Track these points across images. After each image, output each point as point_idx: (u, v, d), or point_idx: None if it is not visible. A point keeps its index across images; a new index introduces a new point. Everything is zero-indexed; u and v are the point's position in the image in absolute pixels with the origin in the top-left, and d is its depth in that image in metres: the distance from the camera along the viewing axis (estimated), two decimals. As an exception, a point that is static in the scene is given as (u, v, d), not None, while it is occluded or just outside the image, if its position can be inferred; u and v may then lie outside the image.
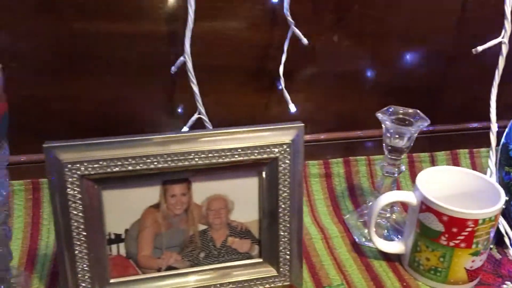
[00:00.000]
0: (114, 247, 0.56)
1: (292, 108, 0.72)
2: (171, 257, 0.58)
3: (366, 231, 0.72)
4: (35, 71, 0.68)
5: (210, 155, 0.55)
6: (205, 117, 0.70)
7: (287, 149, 0.57)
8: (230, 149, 0.55)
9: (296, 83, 0.76)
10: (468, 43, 0.71)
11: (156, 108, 0.74)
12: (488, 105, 0.71)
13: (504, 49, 0.67)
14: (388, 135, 0.66)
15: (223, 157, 0.55)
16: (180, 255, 0.59)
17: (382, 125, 0.66)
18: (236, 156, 0.56)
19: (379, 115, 0.66)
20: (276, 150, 0.56)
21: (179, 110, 0.75)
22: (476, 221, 0.59)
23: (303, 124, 0.58)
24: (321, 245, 0.71)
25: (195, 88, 0.67)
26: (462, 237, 0.60)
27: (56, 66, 0.68)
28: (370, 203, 0.74)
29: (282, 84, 0.71)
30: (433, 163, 0.85)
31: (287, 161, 0.57)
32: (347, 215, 0.77)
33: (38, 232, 0.69)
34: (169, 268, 0.59)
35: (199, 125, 0.71)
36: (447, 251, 0.61)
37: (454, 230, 0.60)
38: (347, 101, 0.81)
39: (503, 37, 0.66)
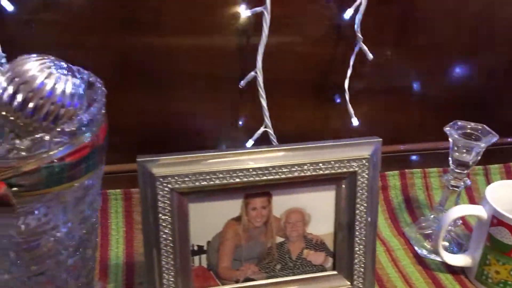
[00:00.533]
0: (196, 258, 0.58)
1: (355, 121, 0.73)
2: (249, 268, 0.60)
3: (426, 243, 0.73)
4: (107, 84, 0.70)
5: (292, 169, 0.56)
6: (271, 130, 0.71)
7: (366, 164, 0.58)
8: (311, 163, 0.57)
9: (355, 97, 0.78)
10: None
11: (221, 121, 0.75)
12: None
13: None
14: (456, 149, 0.67)
15: (305, 171, 0.57)
16: (257, 267, 0.60)
17: (450, 139, 0.67)
18: (317, 170, 0.57)
19: (448, 129, 0.67)
20: (356, 164, 0.58)
21: (240, 123, 0.77)
22: (552, 235, 0.60)
23: (381, 139, 0.59)
24: (385, 257, 0.71)
25: (264, 103, 0.69)
26: (510, 233, 0.61)
27: (126, 81, 0.70)
28: (432, 216, 0.75)
29: (347, 98, 0.72)
30: (487, 176, 0.86)
31: (365, 175, 0.58)
32: (406, 228, 0.77)
33: (107, 242, 0.71)
34: (247, 279, 0.60)
35: (263, 138, 0.72)
36: (519, 264, 0.62)
37: (528, 243, 0.60)
38: (403, 113, 0.82)
39: None
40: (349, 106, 0.72)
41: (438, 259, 0.70)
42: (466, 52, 0.80)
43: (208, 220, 0.57)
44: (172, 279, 0.56)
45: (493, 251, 0.64)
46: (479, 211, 0.64)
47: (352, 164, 0.58)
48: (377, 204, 0.60)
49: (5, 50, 0.53)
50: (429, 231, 0.75)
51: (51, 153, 0.41)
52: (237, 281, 0.60)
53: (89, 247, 0.53)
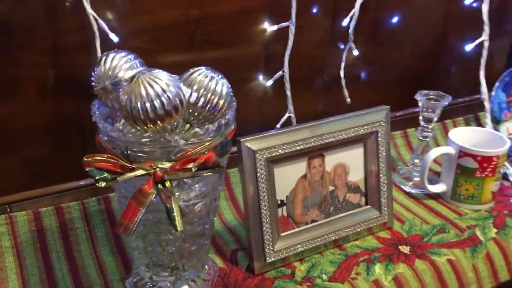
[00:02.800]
0: (280, 210, 0.78)
1: (348, 100, 0.98)
2: (314, 213, 0.81)
3: (409, 183, 1.00)
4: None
5: (337, 134, 0.79)
6: (293, 115, 0.93)
7: (383, 124, 0.83)
8: (347, 129, 0.80)
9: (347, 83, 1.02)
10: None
11: (253, 111, 0.95)
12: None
13: (486, 44, 0.99)
14: (424, 110, 0.95)
15: (345, 134, 0.80)
16: (318, 210, 0.82)
17: (419, 103, 0.95)
18: (352, 133, 0.80)
19: (417, 96, 0.94)
20: (376, 125, 0.82)
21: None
22: (498, 157, 0.89)
23: (388, 107, 0.84)
24: (386, 197, 0.97)
25: (289, 93, 0.90)
26: (490, 169, 0.90)
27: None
28: (410, 164, 1.02)
29: (343, 83, 0.96)
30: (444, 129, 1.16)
31: (383, 133, 0.83)
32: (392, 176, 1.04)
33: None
34: (312, 221, 0.81)
35: (286, 122, 0.94)
36: (480, 181, 0.91)
37: (485, 165, 0.89)
38: (378, 91, 1.09)
39: (483, 36, 0.99)
40: (345, 89, 0.97)
41: (420, 191, 0.97)
42: (412, 43, 1.09)
43: (286, 179, 0.77)
44: (268, 226, 0.75)
45: (462, 175, 0.92)
46: (449, 149, 0.92)
47: (374, 125, 0.82)
48: (390, 154, 0.86)
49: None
50: (408, 176, 1.01)
51: (226, 131, 0.59)
52: (306, 223, 0.81)
53: (214, 213, 0.71)
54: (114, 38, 0.72)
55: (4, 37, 0.72)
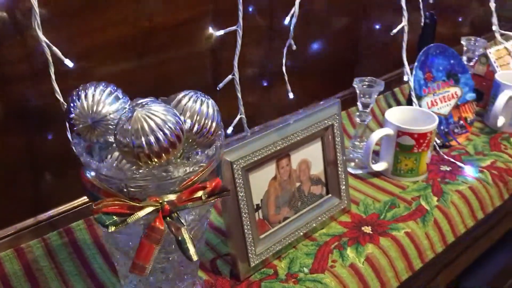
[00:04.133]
0: (256, 214, 0.80)
1: (291, 95, 1.01)
2: (285, 210, 0.84)
3: (352, 164, 1.07)
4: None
5: (300, 133, 0.82)
6: (244, 117, 0.94)
7: (337, 117, 0.87)
8: (310, 126, 0.83)
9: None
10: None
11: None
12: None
13: (406, 29, 1.08)
14: (361, 96, 1.01)
15: (307, 132, 0.83)
16: (288, 207, 0.85)
17: (357, 90, 1.01)
18: (313, 130, 0.84)
19: (355, 83, 1.00)
20: (332, 118, 0.87)
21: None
22: (431, 132, 0.99)
23: (339, 99, 0.89)
24: (335, 181, 1.03)
25: (239, 95, 0.91)
26: (425, 144, 0.99)
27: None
28: (351, 147, 1.08)
29: (286, 78, 0.99)
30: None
31: (337, 124, 0.88)
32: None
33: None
34: (284, 218, 0.84)
35: (238, 124, 0.95)
36: (418, 155, 1.00)
37: (421, 141, 0.99)
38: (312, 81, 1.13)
39: (403, 23, 1.07)
40: (287, 84, 0.99)
41: (364, 171, 1.05)
42: (335, 32, 1.14)
43: (259, 184, 0.79)
44: (249, 231, 0.77)
45: (401, 153, 1.01)
46: (389, 130, 1.00)
47: (330, 119, 0.86)
48: (344, 143, 0.91)
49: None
50: (350, 157, 1.08)
51: (220, 153, 0.59)
52: (279, 222, 0.84)
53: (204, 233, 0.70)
54: (69, 63, 0.67)
55: None
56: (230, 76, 0.89)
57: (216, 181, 0.56)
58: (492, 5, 1.33)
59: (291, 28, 0.93)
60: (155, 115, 0.52)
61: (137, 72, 0.81)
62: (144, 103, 0.54)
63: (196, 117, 0.58)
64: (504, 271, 1.22)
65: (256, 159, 0.76)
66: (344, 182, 0.91)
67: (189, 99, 0.58)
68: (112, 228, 0.52)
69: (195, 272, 0.71)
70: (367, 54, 1.24)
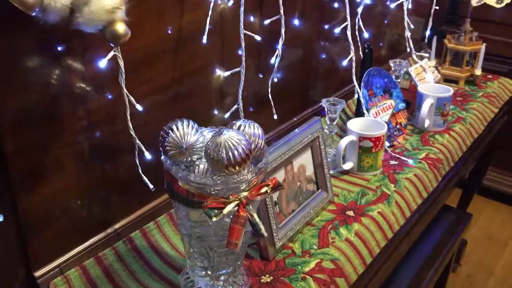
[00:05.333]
0: (275, 207, 1.05)
1: (275, 116, 1.28)
2: (292, 204, 1.10)
3: (324, 167, 1.35)
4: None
5: (299, 145, 1.09)
6: (241, 107, 1.18)
7: (320, 131, 1.15)
8: (304, 139, 1.11)
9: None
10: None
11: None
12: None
13: (354, 58, 1.39)
14: (329, 112, 1.31)
15: (304, 143, 1.10)
16: (294, 202, 1.11)
17: (325, 108, 1.30)
18: (306, 142, 1.11)
19: (323, 103, 1.30)
20: (317, 132, 1.15)
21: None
22: (383, 135, 1.30)
23: (320, 117, 1.17)
24: (316, 181, 1.31)
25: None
26: (380, 145, 1.30)
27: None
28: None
29: (272, 103, 1.25)
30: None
31: (321, 136, 1.16)
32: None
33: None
34: (292, 211, 1.10)
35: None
36: (375, 154, 1.31)
37: (377, 143, 1.30)
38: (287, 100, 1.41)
39: (351, 54, 1.39)
40: (273, 108, 1.26)
41: (334, 171, 1.33)
42: (298, 61, 1.43)
43: (276, 185, 1.05)
44: (274, 222, 1.02)
45: (363, 153, 1.31)
46: (353, 137, 1.30)
47: (316, 132, 1.14)
48: (326, 150, 1.19)
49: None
50: (321, 162, 1.37)
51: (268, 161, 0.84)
52: (289, 214, 1.09)
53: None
54: (139, 107, 0.89)
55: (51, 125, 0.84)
56: (236, 106, 1.14)
57: (274, 180, 0.81)
58: (408, 33, 1.69)
59: (276, 65, 1.20)
60: (233, 138, 0.77)
61: (174, 107, 1.03)
62: (222, 131, 0.78)
63: (253, 138, 0.82)
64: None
65: (275, 164, 1.02)
66: (329, 180, 1.19)
67: (245, 126, 0.83)
68: (215, 218, 0.75)
69: (242, 256, 0.95)
70: (320, 78, 1.54)
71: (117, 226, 0.99)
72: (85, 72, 0.85)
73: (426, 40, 2.04)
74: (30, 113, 0.80)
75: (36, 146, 0.82)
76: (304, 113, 1.47)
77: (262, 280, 0.98)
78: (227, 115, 1.15)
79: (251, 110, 1.29)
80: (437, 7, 1.90)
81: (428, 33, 1.90)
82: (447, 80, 1.87)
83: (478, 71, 1.86)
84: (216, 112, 1.16)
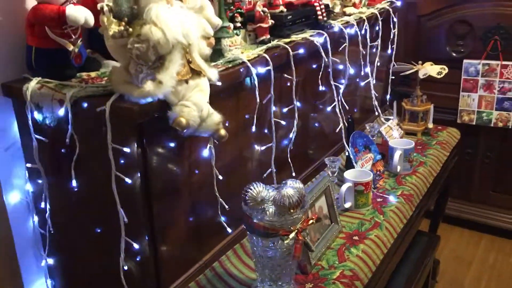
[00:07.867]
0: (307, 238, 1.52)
1: (294, 174, 1.78)
2: (317, 234, 1.58)
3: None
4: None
5: (317, 192, 1.58)
6: (273, 169, 1.68)
7: (329, 182, 1.65)
8: (320, 188, 1.60)
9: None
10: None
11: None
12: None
13: (343, 127, 1.92)
14: (331, 167, 1.81)
15: (319, 191, 1.60)
16: (318, 233, 1.59)
17: (328, 164, 1.80)
18: (323, 189, 1.61)
19: (326, 161, 1.80)
20: (327, 183, 1.64)
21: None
22: (371, 180, 1.81)
23: (327, 174, 1.67)
24: (326, 218, 1.80)
25: (274, 178, 1.65)
26: (369, 187, 1.81)
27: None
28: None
29: (291, 165, 1.75)
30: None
31: (330, 185, 1.66)
32: (318, 207, 1.87)
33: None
34: (317, 239, 1.58)
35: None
36: (367, 195, 1.81)
37: (367, 186, 1.80)
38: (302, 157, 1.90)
39: (341, 125, 1.91)
40: (292, 167, 1.75)
41: (339, 209, 1.82)
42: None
43: (306, 222, 1.53)
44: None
45: (358, 195, 1.80)
46: (350, 184, 1.80)
47: (326, 183, 1.64)
48: (334, 194, 1.68)
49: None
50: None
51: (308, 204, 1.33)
52: (316, 241, 1.57)
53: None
54: (220, 177, 1.37)
55: (173, 195, 1.30)
56: (269, 170, 1.63)
57: (315, 215, 1.29)
58: (375, 102, 2.24)
59: (292, 139, 1.71)
60: (289, 191, 1.25)
61: (234, 174, 1.52)
62: (282, 185, 1.26)
63: (300, 190, 1.31)
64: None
65: (307, 207, 1.50)
66: (338, 216, 1.68)
67: (294, 183, 1.32)
68: (286, 241, 1.22)
69: (294, 270, 1.41)
70: (315, 141, 2.06)
71: (204, 259, 1.44)
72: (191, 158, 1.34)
73: (388, 103, 2.60)
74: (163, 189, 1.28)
75: (167, 208, 1.29)
76: (309, 169, 1.97)
77: (306, 286, 1.44)
78: (264, 175, 1.64)
79: (275, 171, 1.78)
80: (393, 77, 2.48)
81: (388, 96, 2.47)
82: (407, 133, 2.42)
83: (430, 125, 2.43)
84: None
